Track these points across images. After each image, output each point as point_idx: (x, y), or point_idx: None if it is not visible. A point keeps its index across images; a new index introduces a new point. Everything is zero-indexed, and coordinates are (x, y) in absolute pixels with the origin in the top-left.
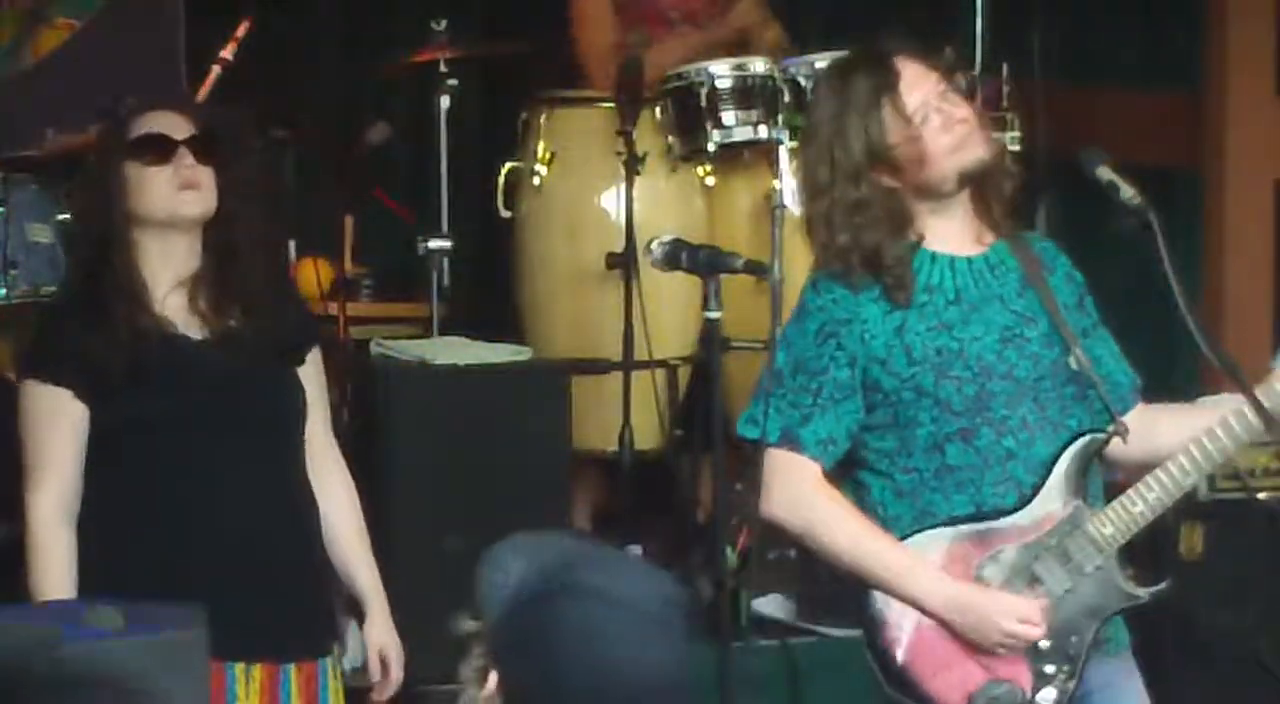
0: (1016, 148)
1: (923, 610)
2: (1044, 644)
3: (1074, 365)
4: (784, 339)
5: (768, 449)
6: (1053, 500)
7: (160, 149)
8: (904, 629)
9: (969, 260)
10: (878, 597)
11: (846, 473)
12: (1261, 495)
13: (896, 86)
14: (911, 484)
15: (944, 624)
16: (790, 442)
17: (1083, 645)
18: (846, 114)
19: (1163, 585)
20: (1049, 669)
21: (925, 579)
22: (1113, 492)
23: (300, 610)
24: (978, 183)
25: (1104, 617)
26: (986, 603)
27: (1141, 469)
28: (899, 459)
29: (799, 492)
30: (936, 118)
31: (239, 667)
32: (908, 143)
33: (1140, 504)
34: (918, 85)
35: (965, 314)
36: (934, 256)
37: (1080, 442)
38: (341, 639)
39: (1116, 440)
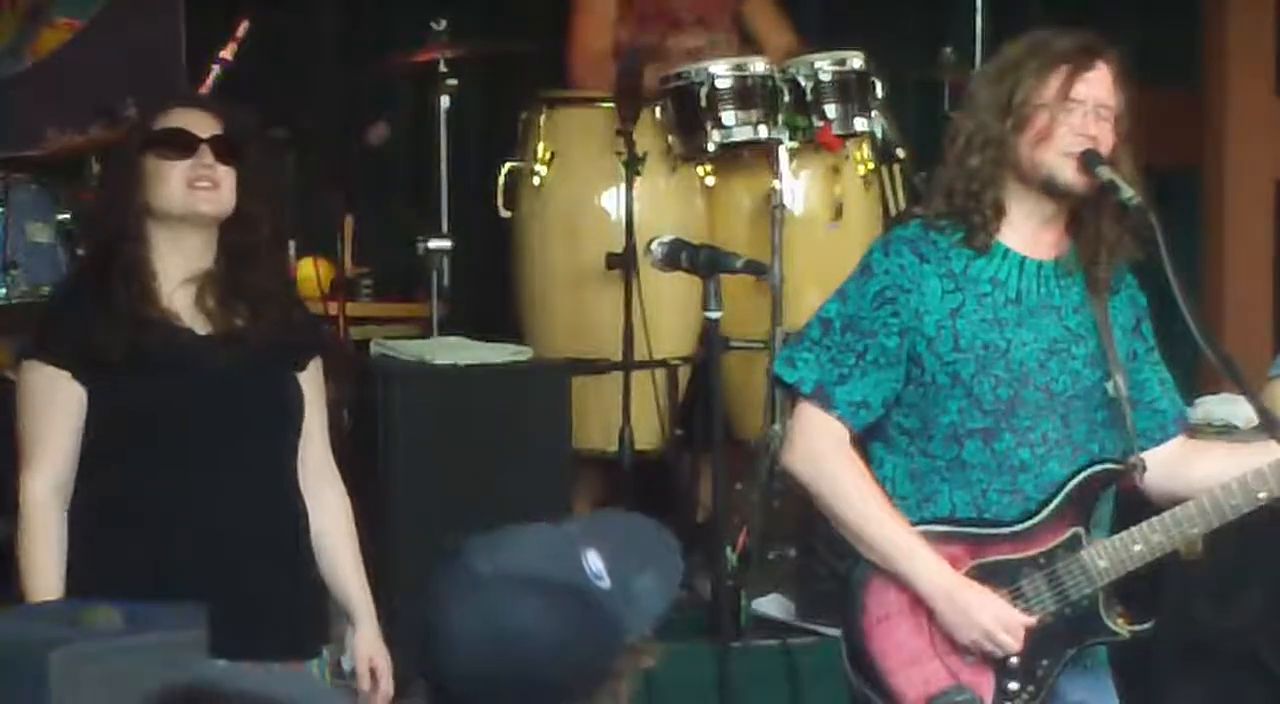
0: None
1: (914, 590)
2: (1013, 661)
3: (1111, 391)
4: (841, 292)
5: (799, 398)
6: (1054, 521)
7: (181, 144)
8: (880, 618)
9: (1039, 264)
10: (861, 582)
11: (863, 443)
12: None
13: (1082, 71)
14: (924, 469)
15: (925, 612)
16: (822, 398)
17: (1051, 670)
18: (1033, 59)
19: (1147, 626)
20: (1013, 686)
21: (925, 559)
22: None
23: (285, 611)
24: (1075, 213)
25: (1080, 645)
26: (976, 600)
27: (1172, 502)
28: (918, 441)
29: (820, 449)
30: (1078, 119)
31: (220, 664)
32: (1043, 114)
33: (1141, 544)
34: (1096, 85)
35: (1020, 316)
36: (1006, 252)
37: (1093, 469)
38: (342, 641)
39: (1152, 468)
